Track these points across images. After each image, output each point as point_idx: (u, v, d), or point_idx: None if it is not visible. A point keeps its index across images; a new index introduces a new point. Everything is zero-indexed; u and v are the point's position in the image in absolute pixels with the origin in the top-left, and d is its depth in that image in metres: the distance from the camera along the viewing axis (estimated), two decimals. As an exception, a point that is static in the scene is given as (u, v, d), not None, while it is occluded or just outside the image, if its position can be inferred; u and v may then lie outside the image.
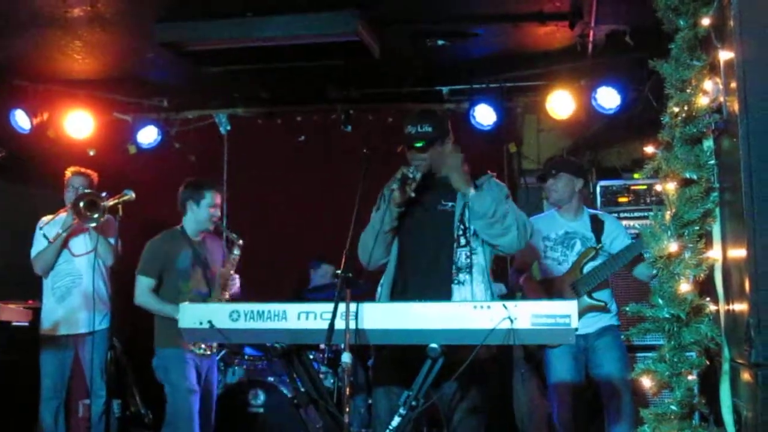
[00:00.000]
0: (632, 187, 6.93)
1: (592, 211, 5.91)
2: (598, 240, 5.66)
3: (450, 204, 4.41)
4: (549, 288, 5.68)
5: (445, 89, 7.90)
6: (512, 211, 4.32)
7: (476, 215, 4.29)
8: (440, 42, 6.63)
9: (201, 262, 6.03)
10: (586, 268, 5.60)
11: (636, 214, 6.83)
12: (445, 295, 4.26)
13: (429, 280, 4.34)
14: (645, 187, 6.85)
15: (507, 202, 4.38)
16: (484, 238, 4.33)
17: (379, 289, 4.47)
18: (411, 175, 4.25)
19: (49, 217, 6.44)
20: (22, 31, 6.34)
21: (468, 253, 4.35)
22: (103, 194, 6.09)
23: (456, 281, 4.30)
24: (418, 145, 4.33)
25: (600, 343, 5.57)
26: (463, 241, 4.36)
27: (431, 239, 4.41)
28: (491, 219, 4.24)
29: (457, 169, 4.31)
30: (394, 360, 3.94)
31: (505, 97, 7.73)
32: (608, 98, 7.13)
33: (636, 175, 6.99)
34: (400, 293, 4.35)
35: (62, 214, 6.36)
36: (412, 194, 4.27)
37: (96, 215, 6.04)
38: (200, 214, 6.08)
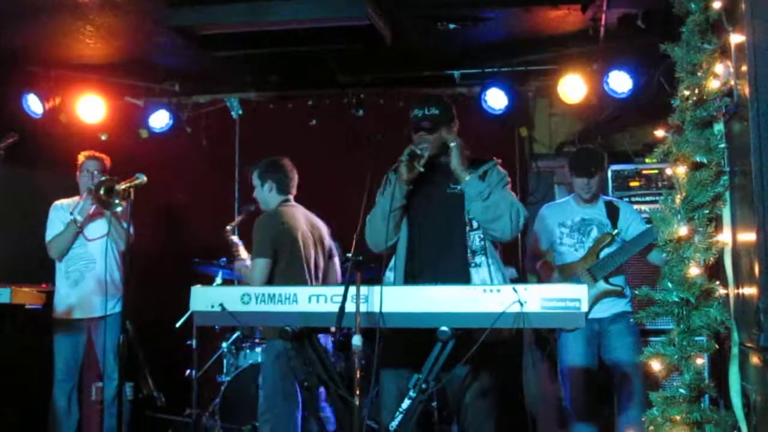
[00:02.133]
0: (644, 172, 6.89)
1: (607, 198, 5.91)
2: (614, 226, 5.67)
3: (459, 188, 4.43)
4: (566, 273, 5.68)
5: (456, 73, 7.90)
6: (507, 199, 4.38)
7: (470, 198, 4.35)
8: (451, 26, 6.62)
9: None
10: (603, 254, 5.62)
11: (648, 199, 6.78)
12: (463, 278, 4.31)
13: (444, 263, 4.38)
14: (657, 171, 6.82)
15: (505, 190, 4.45)
16: (479, 222, 4.38)
17: (388, 273, 4.50)
18: (419, 152, 4.30)
19: (65, 201, 6.49)
20: (34, 16, 6.36)
21: (481, 236, 4.40)
22: (115, 178, 6.12)
23: (473, 264, 4.35)
24: (426, 126, 4.39)
25: (613, 329, 5.59)
26: (475, 224, 4.41)
27: (443, 222, 4.45)
28: (485, 202, 4.30)
29: (459, 150, 4.36)
30: (402, 343, 3.96)
31: (517, 81, 7.73)
32: (620, 82, 7.10)
33: (648, 160, 6.96)
34: (415, 277, 4.38)
35: (77, 198, 6.42)
36: (422, 169, 4.30)
37: (117, 200, 6.04)
38: None
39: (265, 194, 5.97)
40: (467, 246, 4.38)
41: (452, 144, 4.37)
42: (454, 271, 4.34)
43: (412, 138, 4.47)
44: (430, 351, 3.83)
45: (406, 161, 4.28)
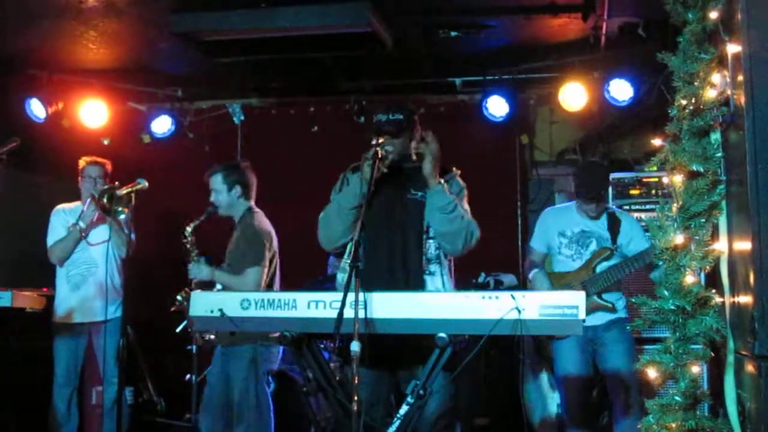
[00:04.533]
0: (644, 180, 6.91)
1: (610, 209, 5.87)
2: (614, 240, 5.64)
3: (420, 194, 4.42)
4: (559, 282, 5.68)
5: (457, 80, 7.95)
6: (465, 217, 4.38)
7: (433, 207, 4.34)
8: (453, 33, 6.66)
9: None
10: (599, 268, 5.60)
11: (648, 207, 6.78)
12: (417, 285, 4.31)
13: (399, 269, 4.37)
14: (657, 179, 6.81)
15: (462, 204, 4.45)
16: (435, 233, 4.38)
17: (340, 275, 4.50)
18: (384, 153, 4.24)
19: (66, 205, 6.51)
20: (37, 21, 6.40)
21: (437, 245, 4.41)
22: (116, 183, 6.13)
23: (427, 272, 4.36)
24: (390, 131, 4.35)
25: (608, 337, 5.58)
26: (431, 232, 4.41)
27: (400, 228, 4.42)
28: (448, 215, 4.30)
29: (433, 154, 4.32)
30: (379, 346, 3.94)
31: (518, 89, 7.76)
32: (621, 90, 7.14)
33: (648, 168, 6.97)
34: (368, 281, 4.33)
35: (78, 203, 6.45)
36: (385, 170, 4.24)
37: (120, 208, 6.03)
38: None
39: (233, 199, 5.93)
40: (423, 253, 4.38)
41: (427, 145, 4.32)
42: (409, 277, 4.33)
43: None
44: (404, 356, 3.93)
45: (371, 162, 4.20)
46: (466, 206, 4.50)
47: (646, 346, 5.98)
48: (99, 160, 6.55)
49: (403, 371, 4.32)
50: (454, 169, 4.59)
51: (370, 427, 4.01)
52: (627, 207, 6.64)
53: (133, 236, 6.09)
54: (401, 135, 4.40)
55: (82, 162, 6.53)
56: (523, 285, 7.43)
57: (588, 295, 5.50)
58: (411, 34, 6.68)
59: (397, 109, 4.43)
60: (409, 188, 4.45)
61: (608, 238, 5.66)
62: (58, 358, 6.35)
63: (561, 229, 5.78)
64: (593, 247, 5.66)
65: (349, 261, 4.37)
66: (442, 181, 4.38)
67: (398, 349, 3.99)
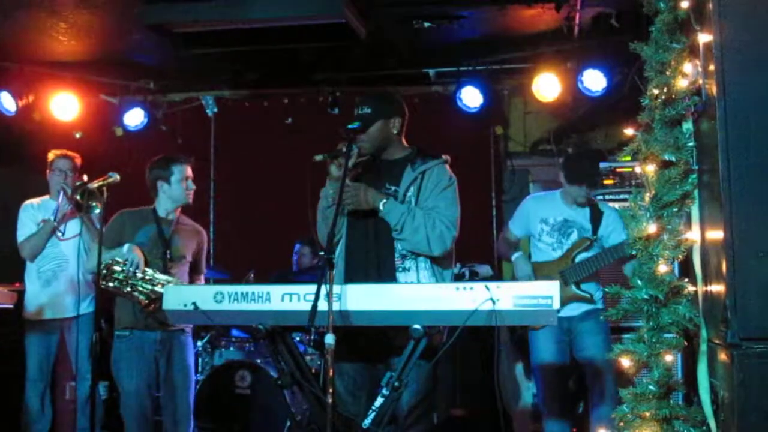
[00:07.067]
0: (618, 170, 6.92)
1: (593, 201, 5.87)
2: (595, 231, 5.66)
3: (393, 188, 4.38)
4: (539, 272, 5.70)
5: (431, 71, 7.93)
6: (429, 220, 4.27)
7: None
8: (426, 24, 6.63)
9: (163, 240, 5.72)
10: (578, 258, 5.62)
11: (621, 197, 6.79)
12: (389, 280, 4.27)
13: (375, 265, 4.35)
14: (631, 169, 6.83)
15: (438, 200, 4.35)
16: None
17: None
18: (344, 149, 4.19)
19: (34, 200, 6.44)
20: (7, 12, 6.32)
21: None
22: (84, 178, 6.05)
23: (401, 268, 4.32)
24: (353, 125, 4.31)
25: (584, 327, 5.61)
26: None
27: (376, 223, 4.37)
28: (399, 234, 4.27)
29: (356, 205, 4.30)
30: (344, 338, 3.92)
31: (492, 80, 7.77)
32: (594, 81, 7.15)
33: (622, 158, 7.00)
34: (348, 276, 4.33)
35: (46, 197, 6.38)
36: (350, 166, 4.19)
37: (94, 203, 5.95)
38: (173, 191, 5.80)
39: None
40: (396, 249, 4.34)
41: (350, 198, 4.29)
42: (384, 273, 4.30)
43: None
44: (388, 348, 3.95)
45: (329, 158, 4.21)
46: (444, 201, 4.37)
47: (625, 336, 6.02)
48: (69, 153, 6.48)
49: (387, 362, 4.30)
50: (442, 156, 4.51)
51: (345, 419, 4.01)
52: (601, 197, 6.65)
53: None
54: (369, 128, 4.35)
55: (51, 155, 6.45)
56: (498, 268, 7.47)
57: (566, 285, 5.53)
58: (385, 25, 6.65)
59: (367, 102, 4.40)
60: (384, 182, 4.41)
61: (589, 228, 5.68)
62: (29, 355, 6.28)
63: (544, 216, 5.79)
64: (574, 237, 5.68)
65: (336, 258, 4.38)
66: (386, 201, 4.28)
67: (381, 341, 3.99)
